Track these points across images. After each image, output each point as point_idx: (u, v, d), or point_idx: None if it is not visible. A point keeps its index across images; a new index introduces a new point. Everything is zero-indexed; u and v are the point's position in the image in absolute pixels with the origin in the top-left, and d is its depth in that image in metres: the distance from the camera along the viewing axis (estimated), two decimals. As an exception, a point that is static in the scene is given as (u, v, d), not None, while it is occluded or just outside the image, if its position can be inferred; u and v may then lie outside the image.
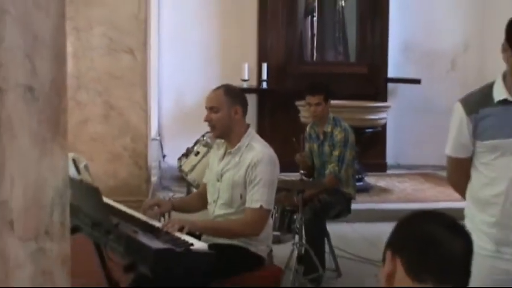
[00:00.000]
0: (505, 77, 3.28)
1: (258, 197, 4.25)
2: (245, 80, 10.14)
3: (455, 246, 2.11)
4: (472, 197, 3.45)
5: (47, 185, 1.66)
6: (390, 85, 10.78)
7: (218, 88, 4.50)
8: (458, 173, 3.55)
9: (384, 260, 2.18)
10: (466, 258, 2.14)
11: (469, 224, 3.36)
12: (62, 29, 1.83)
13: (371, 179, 9.58)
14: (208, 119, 4.43)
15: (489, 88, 3.32)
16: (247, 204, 4.28)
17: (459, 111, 3.34)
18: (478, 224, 3.34)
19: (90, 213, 4.03)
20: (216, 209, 4.43)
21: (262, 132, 9.74)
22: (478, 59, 10.50)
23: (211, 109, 4.41)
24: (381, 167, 10.50)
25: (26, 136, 1.54)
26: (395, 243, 2.17)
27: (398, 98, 10.78)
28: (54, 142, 1.72)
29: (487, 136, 3.27)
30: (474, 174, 3.42)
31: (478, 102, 3.31)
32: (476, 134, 3.29)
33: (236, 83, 9.79)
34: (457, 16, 10.86)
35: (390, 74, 10.75)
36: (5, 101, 1.46)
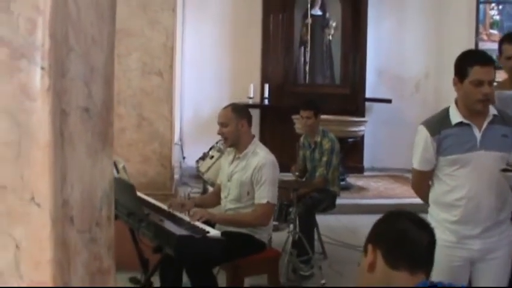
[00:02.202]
0: (457, 103, 3.34)
1: (265, 194, 4.28)
2: (250, 98, 10.17)
3: (423, 239, 2.15)
4: (436, 201, 3.47)
5: (98, 187, 1.67)
6: (367, 103, 10.76)
7: (227, 106, 4.53)
8: (422, 183, 3.59)
9: (365, 251, 2.19)
10: (431, 248, 2.18)
11: (433, 221, 3.34)
12: (111, 60, 1.84)
13: (351, 179, 9.57)
14: (220, 133, 4.48)
15: (446, 113, 3.38)
16: (256, 201, 4.31)
17: (424, 132, 3.37)
18: (441, 222, 3.36)
19: (126, 205, 4.04)
20: (227, 203, 4.45)
21: (264, 140, 9.70)
22: (436, 84, 10.49)
23: (222, 124, 4.43)
24: (359, 169, 10.48)
25: (83, 148, 1.54)
26: (375, 238, 2.20)
27: (374, 114, 10.76)
28: (103, 152, 1.72)
29: (449, 152, 3.31)
30: (437, 183, 3.45)
31: (439, 124, 3.35)
32: (440, 151, 3.33)
33: (243, 99, 9.89)
34: (420, 49, 10.87)
35: (367, 94, 10.73)
36: (68, 121, 1.45)
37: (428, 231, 2.18)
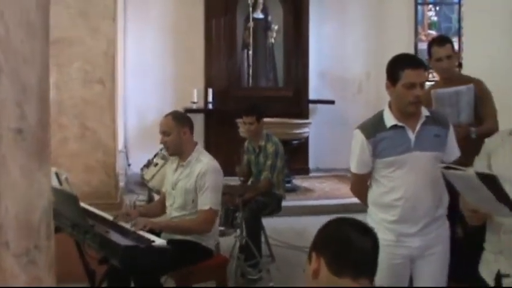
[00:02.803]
0: (390, 106, 3.43)
1: (207, 201, 4.29)
2: (194, 102, 10.16)
3: (366, 245, 2.17)
4: (374, 202, 3.55)
5: (35, 208, 1.65)
6: (311, 105, 10.86)
7: (167, 115, 4.50)
8: (361, 185, 3.67)
9: (310, 259, 2.22)
10: (375, 252, 2.20)
11: (372, 222, 3.45)
12: (46, 78, 1.82)
13: (297, 181, 9.64)
14: (163, 142, 4.45)
15: (380, 116, 3.47)
16: (199, 207, 4.31)
17: (360, 136, 3.45)
18: (380, 222, 3.44)
19: (70, 217, 4.01)
20: (173, 211, 4.44)
21: (209, 145, 9.81)
22: (377, 84, 10.56)
23: (164, 133, 4.42)
24: (305, 171, 10.57)
25: (17, 170, 1.53)
26: (318, 246, 2.21)
27: (317, 115, 10.88)
28: (40, 171, 1.70)
29: (384, 154, 3.39)
30: (375, 185, 3.53)
31: (373, 128, 3.43)
32: (376, 154, 3.41)
33: (187, 105, 9.88)
34: (361, 50, 11.04)
35: (311, 96, 10.84)
36: (0, 144, 1.45)
37: (371, 236, 2.21)
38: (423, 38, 10.78)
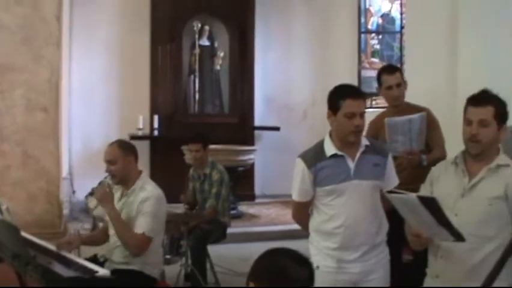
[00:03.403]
0: (331, 135, 3.51)
1: (143, 225, 4.20)
2: (140, 129, 10.12)
3: (302, 274, 2.20)
4: (316, 229, 3.61)
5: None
6: (256, 131, 10.95)
7: (112, 144, 4.44)
8: (302, 213, 3.73)
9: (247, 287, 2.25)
10: (310, 282, 2.23)
11: (314, 249, 3.54)
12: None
13: (243, 207, 9.65)
14: (108, 171, 4.40)
15: (321, 145, 3.55)
16: (134, 229, 4.24)
17: (301, 165, 3.53)
18: (322, 249, 3.52)
19: (11, 247, 3.94)
20: (117, 240, 4.39)
21: (154, 172, 9.77)
22: (322, 111, 10.48)
23: (109, 162, 4.36)
24: (251, 197, 10.61)
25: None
26: (255, 275, 2.24)
27: (263, 142, 10.96)
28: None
29: (325, 183, 3.46)
30: (316, 213, 3.60)
31: (314, 157, 3.50)
32: (317, 182, 3.48)
33: (133, 131, 9.83)
34: (306, 77, 11.20)
35: (256, 122, 10.93)
36: None
37: (307, 266, 2.24)
38: (367, 65, 11.02)
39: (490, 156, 3.18)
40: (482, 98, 3.15)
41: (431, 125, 4.73)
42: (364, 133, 3.61)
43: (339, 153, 3.46)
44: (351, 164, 3.45)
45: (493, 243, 3.03)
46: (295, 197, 3.63)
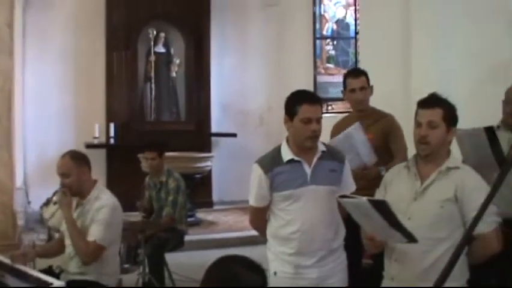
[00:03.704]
0: (288, 141, 3.51)
1: (95, 233, 4.17)
2: (96, 138, 9.98)
3: (254, 281, 2.21)
4: (273, 235, 3.62)
5: None
6: (213, 138, 10.91)
7: (64, 156, 4.35)
8: (259, 218, 3.73)
9: None
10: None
11: (271, 255, 3.55)
12: None
13: (201, 214, 9.60)
14: (63, 184, 4.32)
15: (278, 151, 3.56)
16: (87, 236, 4.19)
17: (258, 171, 3.53)
18: (279, 255, 3.53)
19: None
20: (71, 250, 4.33)
21: (111, 180, 9.67)
22: (278, 116, 10.59)
23: (63, 175, 4.29)
24: (208, 204, 10.54)
25: None
26: (207, 283, 2.24)
27: (220, 148, 10.94)
28: None
29: (282, 188, 3.47)
30: (273, 218, 3.60)
31: (271, 162, 3.51)
32: (273, 188, 3.49)
33: (88, 139, 9.70)
34: (262, 83, 11.21)
35: (213, 129, 10.89)
36: None
37: (259, 273, 2.24)
38: (322, 71, 11.09)
39: (440, 158, 3.25)
40: (431, 101, 3.24)
41: (393, 132, 4.75)
42: (326, 137, 3.63)
43: (296, 158, 3.47)
44: (308, 170, 3.46)
45: (445, 244, 3.10)
46: (253, 202, 3.63)
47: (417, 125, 3.23)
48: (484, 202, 2.14)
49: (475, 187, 3.14)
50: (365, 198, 2.92)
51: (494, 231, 3.13)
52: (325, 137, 3.87)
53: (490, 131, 4.25)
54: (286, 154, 3.50)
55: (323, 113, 3.60)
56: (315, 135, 3.45)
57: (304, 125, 3.42)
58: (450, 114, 3.24)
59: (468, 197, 3.11)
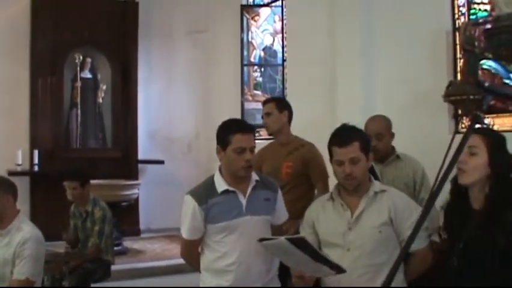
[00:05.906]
0: (221, 171, 3.40)
1: (25, 270, 4.02)
2: (19, 165, 9.59)
3: None
4: (207, 268, 3.49)
5: None
6: (140, 165, 10.68)
7: None
8: (192, 251, 3.57)
9: None
10: None
11: (205, 287, 3.39)
12: None
13: (127, 243, 9.30)
14: None
15: (211, 181, 3.43)
16: (15, 276, 4.03)
17: (191, 203, 3.37)
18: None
19: None
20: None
21: (35, 209, 9.31)
22: (207, 143, 10.57)
23: None
24: (136, 232, 10.26)
25: None
26: None
27: (147, 176, 10.71)
28: None
29: (217, 220, 3.35)
30: (208, 250, 3.46)
31: (205, 194, 3.38)
32: (208, 219, 3.36)
33: (11, 167, 9.30)
34: (190, 110, 11.13)
35: (140, 156, 10.66)
36: None
37: None
38: (250, 98, 11.01)
39: (364, 185, 3.20)
40: (346, 138, 3.16)
41: (313, 161, 4.73)
42: None
43: (231, 189, 3.35)
44: (243, 200, 3.35)
45: (387, 267, 3.00)
46: (186, 235, 3.45)
47: (339, 163, 3.14)
48: (419, 219, 2.05)
49: (405, 206, 3.16)
50: (283, 238, 2.81)
51: (429, 245, 3.18)
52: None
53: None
54: (220, 185, 3.37)
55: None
56: (249, 165, 3.34)
57: (238, 155, 3.30)
58: (365, 142, 3.20)
59: (401, 217, 3.11)
